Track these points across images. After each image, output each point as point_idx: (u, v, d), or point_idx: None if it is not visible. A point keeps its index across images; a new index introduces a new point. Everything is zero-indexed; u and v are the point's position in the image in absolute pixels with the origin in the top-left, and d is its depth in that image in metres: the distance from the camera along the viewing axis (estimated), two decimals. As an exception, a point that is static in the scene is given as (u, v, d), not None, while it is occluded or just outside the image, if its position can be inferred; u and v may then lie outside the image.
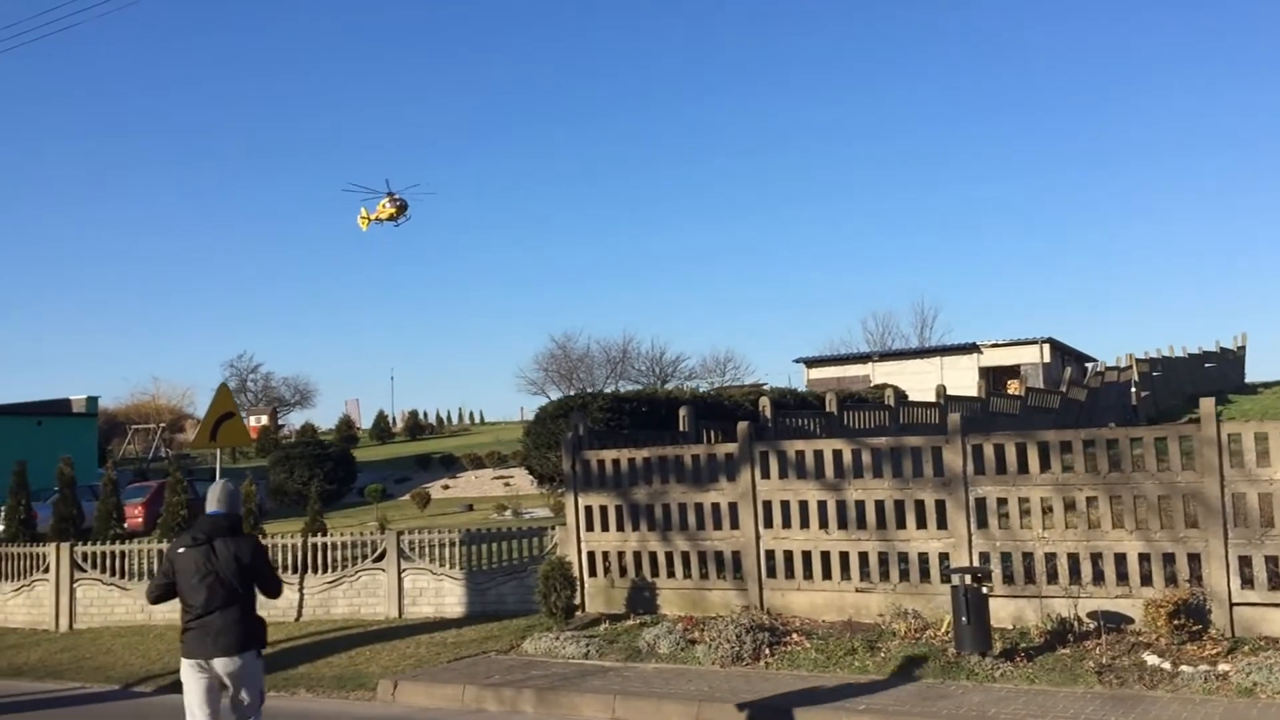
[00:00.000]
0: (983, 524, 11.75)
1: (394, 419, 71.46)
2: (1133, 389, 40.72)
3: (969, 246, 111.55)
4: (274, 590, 7.28)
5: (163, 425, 60.19)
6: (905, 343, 63.67)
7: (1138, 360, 42.01)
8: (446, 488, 39.94)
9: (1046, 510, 11.54)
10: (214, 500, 7.15)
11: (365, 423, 70.40)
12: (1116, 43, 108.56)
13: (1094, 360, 47.30)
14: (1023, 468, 11.64)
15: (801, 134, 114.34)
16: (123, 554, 16.08)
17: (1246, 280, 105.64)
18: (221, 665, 6.76)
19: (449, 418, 74.44)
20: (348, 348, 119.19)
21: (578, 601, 13.56)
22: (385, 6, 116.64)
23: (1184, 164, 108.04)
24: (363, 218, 46.34)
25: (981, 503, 11.78)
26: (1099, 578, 11.14)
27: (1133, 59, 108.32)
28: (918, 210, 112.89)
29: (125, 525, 20.54)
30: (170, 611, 15.49)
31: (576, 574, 13.67)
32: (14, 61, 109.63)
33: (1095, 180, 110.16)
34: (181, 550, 6.93)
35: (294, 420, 75.06)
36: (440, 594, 14.82)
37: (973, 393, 31.44)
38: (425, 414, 71.96)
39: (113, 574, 15.96)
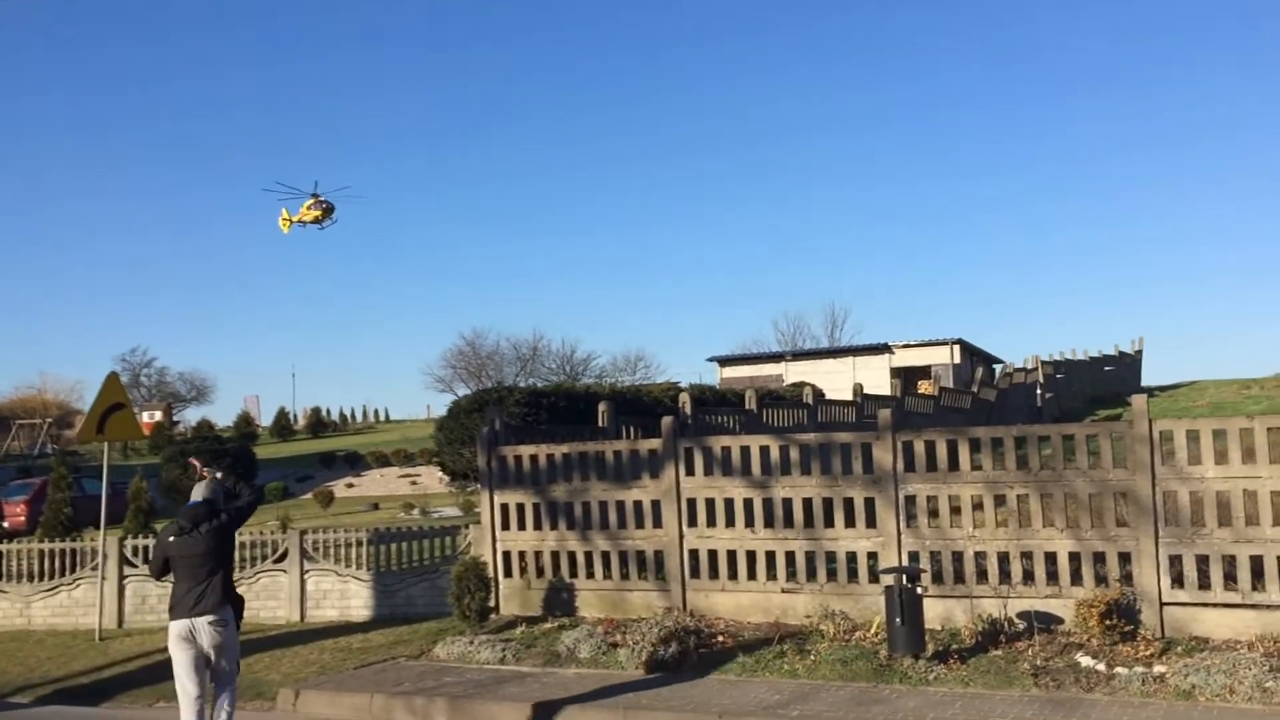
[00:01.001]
0: (912, 522, 11.48)
1: (295, 416, 69.58)
2: (1038, 390, 41.37)
3: (878, 248, 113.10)
4: (252, 502, 8.94)
5: (49, 420, 57.67)
6: (816, 343, 64.19)
7: (1042, 362, 42.70)
8: (351, 486, 38.81)
9: (977, 508, 11.32)
10: (198, 493, 8.47)
11: (266, 420, 68.47)
12: (1016, 48, 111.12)
13: (1001, 361, 48.01)
14: (953, 465, 11.40)
15: (708, 136, 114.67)
16: (6, 554, 14.96)
17: (1143, 286, 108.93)
18: (206, 625, 7.99)
19: (353, 415, 72.80)
20: (247, 344, 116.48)
21: (493, 604, 12.96)
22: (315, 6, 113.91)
23: (1087, 168, 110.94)
24: (284, 219, 44.65)
25: (911, 500, 11.51)
26: (1029, 577, 10.94)
27: (1034, 63, 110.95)
28: (826, 211, 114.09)
29: (5, 524, 19.27)
30: (51, 617, 14.58)
31: (492, 574, 13.06)
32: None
33: (1001, 185, 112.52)
34: (172, 539, 8.27)
35: (190, 417, 72.65)
36: (346, 596, 14.09)
37: (886, 392, 31.50)
38: (328, 411, 70.23)
39: (-11, 576, 14.87)
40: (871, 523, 11.59)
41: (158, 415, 66.00)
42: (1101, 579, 10.65)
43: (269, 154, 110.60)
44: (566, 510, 13.11)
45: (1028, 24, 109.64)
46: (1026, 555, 11.00)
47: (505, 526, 13.45)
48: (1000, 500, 11.15)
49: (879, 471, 11.59)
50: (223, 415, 76.33)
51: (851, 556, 11.73)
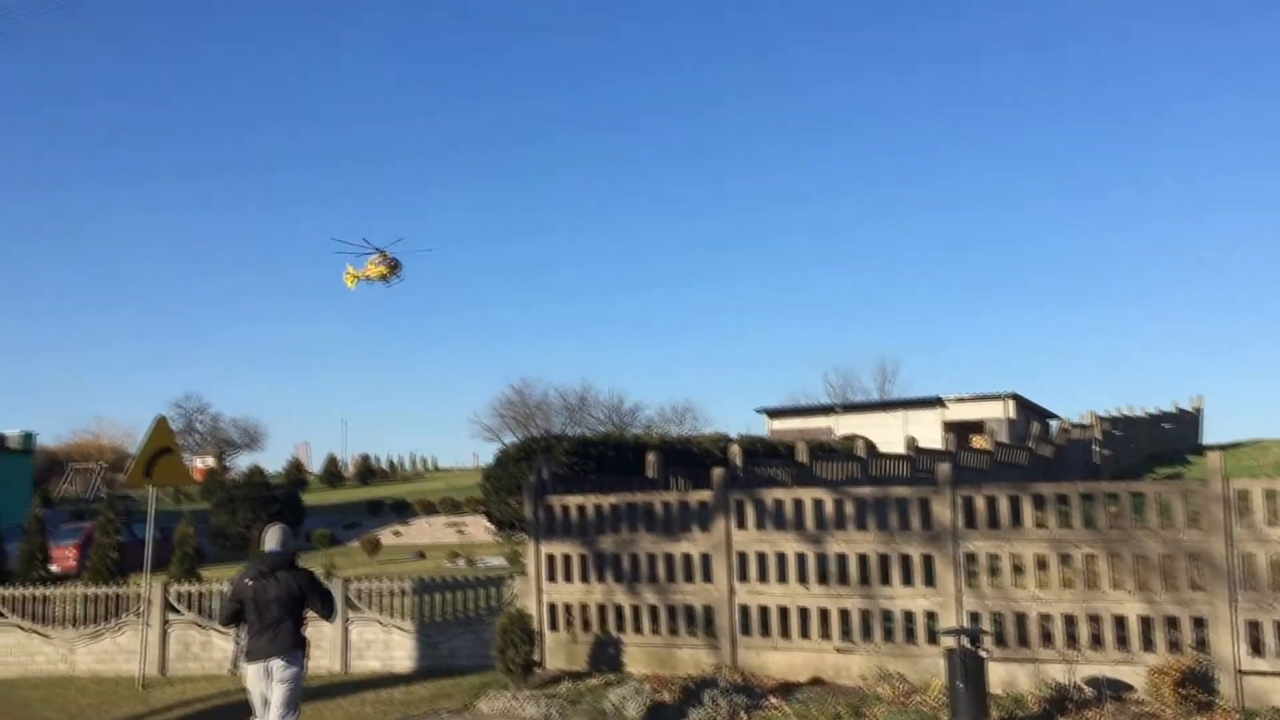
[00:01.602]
0: (973, 581, 11.06)
1: (345, 464, 69.92)
2: (1095, 447, 40.43)
3: (930, 301, 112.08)
4: (327, 613, 9.22)
5: (104, 465, 58.26)
6: (866, 396, 63.33)
7: (1099, 419, 41.77)
8: (398, 534, 38.70)
9: (1041, 567, 10.87)
10: (271, 541, 9.02)
11: (316, 467, 68.84)
12: (1073, 109, 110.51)
13: (1056, 417, 47.08)
14: (1015, 521, 10.98)
15: (762, 189, 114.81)
16: (43, 598, 14.88)
17: (1203, 342, 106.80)
18: (278, 667, 8.59)
19: (402, 463, 73.04)
20: (300, 391, 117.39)
21: (537, 657, 12.64)
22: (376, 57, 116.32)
23: (1145, 225, 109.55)
24: (350, 275, 44.72)
25: (972, 558, 11.09)
26: (1098, 641, 10.47)
27: (1089, 120, 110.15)
28: (877, 264, 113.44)
29: (54, 567, 19.26)
30: (95, 663, 14.45)
31: (536, 627, 12.76)
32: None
33: (1056, 239, 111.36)
34: (248, 581, 8.79)
35: (242, 463, 73.14)
36: (389, 647, 13.83)
37: (939, 446, 30.92)
38: (377, 459, 70.52)
39: (36, 620, 14.75)
40: (930, 581, 11.18)
41: (210, 461, 66.58)
42: (1175, 645, 10.15)
43: (326, 204, 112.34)
44: (614, 562, 12.81)
45: (1075, 84, 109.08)
46: (1094, 618, 10.53)
47: (551, 578, 13.17)
48: (1066, 560, 10.71)
49: (938, 527, 11.20)
50: (274, 462, 77.00)
51: (909, 616, 11.32)
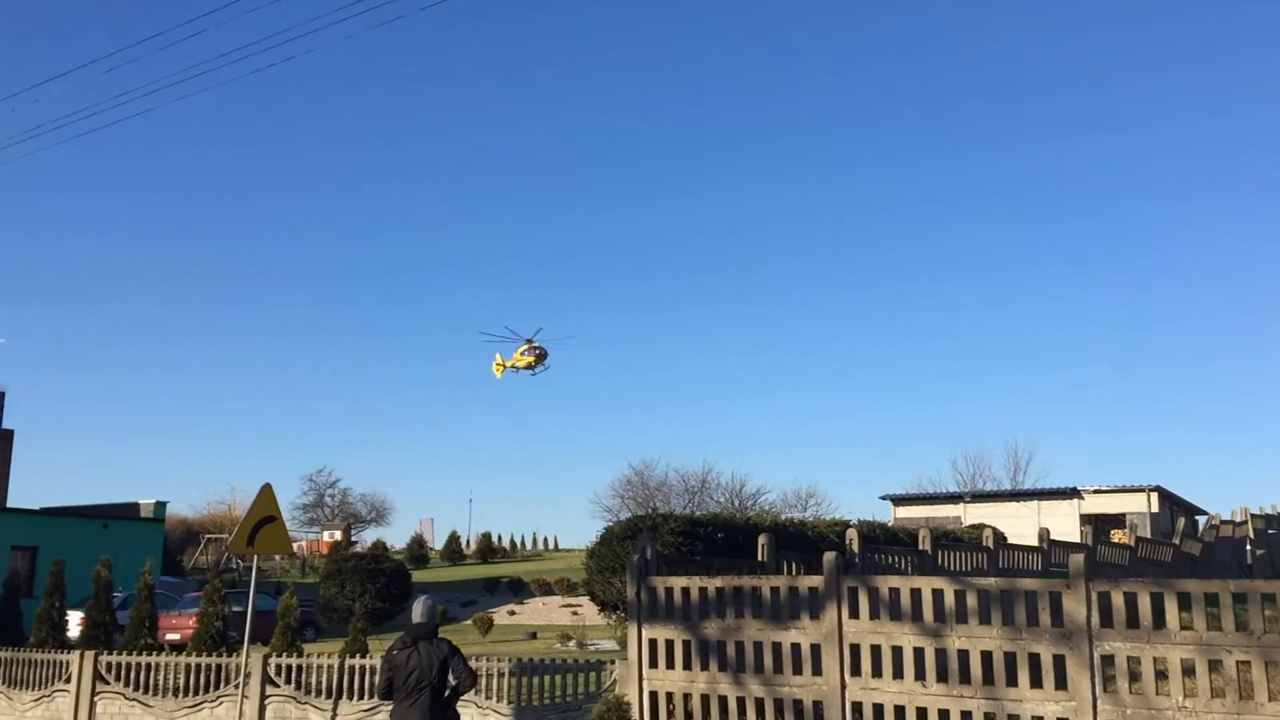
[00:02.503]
0: (1110, 686, 10.06)
1: (468, 541, 70.41)
2: (1248, 546, 37.88)
3: (1067, 387, 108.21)
4: (467, 682, 9.62)
5: (236, 535, 59.57)
6: (997, 485, 60.81)
7: (1253, 515, 39.19)
8: (512, 613, 38.40)
9: (1188, 674, 9.82)
10: (418, 614, 9.65)
11: (438, 543, 69.39)
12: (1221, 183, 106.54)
13: (1205, 513, 44.36)
14: (1158, 622, 9.98)
15: (888, 269, 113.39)
16: (151, 666, 14.89)
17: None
18: None
19: (522, 542, 73.19)
20: (428, 468, 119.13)
21: (636, 749, 12.00)
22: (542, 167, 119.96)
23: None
24: (498, 365, 45.17)
25: (1109, 661, 10.10)
26: (1253, 759, 9.34)
27: (1243, 198, 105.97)
28: (1012, 349, 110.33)
29: (173, 636, 19.34)
30: (193, 732, 14.32)
31: (635, 715, 12.13)
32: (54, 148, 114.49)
33: (1206, 323, 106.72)
34: (395, 652, 9.40)
35: (368, 537, 74.31)
36: (484, 730, 13.32)
37: (1075, 539, 29.27)
38: (499, 537, 70.85)
39: (138, 689, 14.74)
40: (1062, 684, 10.21)
41: (337, 535, 67.69)
42: (1344, 768, 8.98)
43: (462, 288, 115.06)
44: (719, 649, 12.14)
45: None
46: (1249, 733, 9.42)
47: (653, 664, 12.55)
48: (1215, 666, 9.65)
49: (1070, 625, 10.26)
50: (399, 537, 77.78)
51: (1038, 721, 10.34)
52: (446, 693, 9.42)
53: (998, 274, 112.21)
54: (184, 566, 52.66)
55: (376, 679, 10.36)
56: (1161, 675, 9.92)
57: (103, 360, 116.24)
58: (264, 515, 13.45)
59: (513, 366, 44.88)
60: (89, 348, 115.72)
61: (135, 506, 39.29)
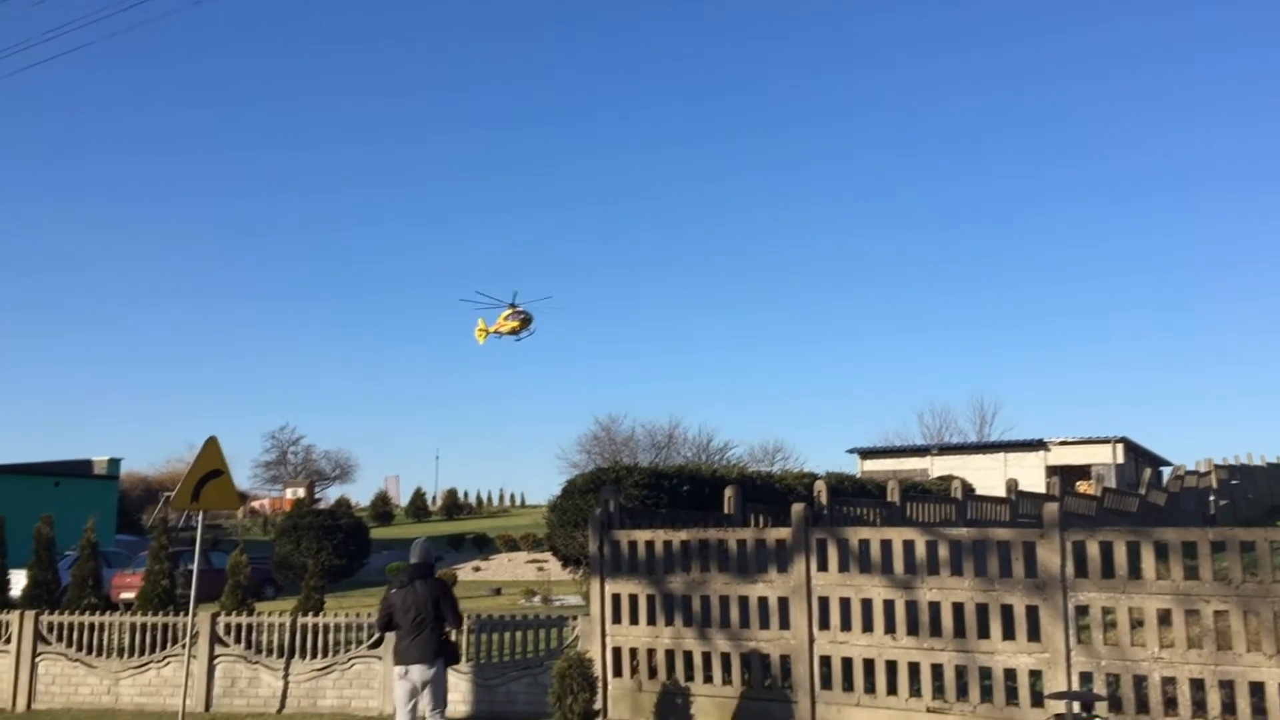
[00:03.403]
0: (1084, 637, 9.79)
1: (434, 498, 69.91)
2: (1211, 497, 38.09)
3: (1032, 341, 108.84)
4: (456, 621, 10.08)
5: (196, 493, 58.74)
6: (964, 438, 61.00)
7: (1216, 466, 39.40)
8: (477, 570, 38.01)
9: (1164, 624, 9.56)
10: (414, 554, 10.20)
11: (404, 500, 68.92)
12: (1182, 134, 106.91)
13: (1169, 464, 44.65)
14: (1134, 571, 9.70)
15: (856, 221, 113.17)
16: (98, 626, 14.33)
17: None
18: (417, 671, 9.60)
19: (489, 498, 72.76)
20: (392, 425, 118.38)
21: (598, 706, 11.64)
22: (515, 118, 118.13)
23: (1263, 261, 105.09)
24: (481, 330, 44.24)
25: (1083, 611, 9.83)
26: (1229, 710, 9.11)
27: (1206, 148, 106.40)
28: (976, 302, 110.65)
29: (118, 595, 18.71)
30: (139, 696, 13.83)
31: (598, 673, 11.77)
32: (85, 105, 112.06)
33: (1161, 276, 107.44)
34: (393, 591, 9.88)
35: (331, 495, 73.71)
36: (443, 688, 12.92)
37: (1041, 490, 29.20)
38: (465, 494, 70.37)
39: (81, 649, 14.20)
40: (1035, 635, 9.94)
41: (300, 492, 67.03)
42: (1323, 716, 8.75)
43: (441, 252, 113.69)
44: (684, 604, 11.79)
45: (1198, 109, 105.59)
46: (1226, 684, 9.18)
47: (616, 619, 12.19)
48: (1192, 616, 9.39)
49: (1044, 575, 9.96)
50: (364, 494, 77.24)
51: (1010, 674, 10.08)
52: (445, 628, 9.90)
53: (961, 225, 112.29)
54: (143, 525, 51.81)
55: (376, 616, 10.85)
56: (1137, 626, 9.66)
57: (63, 318, 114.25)
58: (210, 469, 12.85)
59: (496, 332, 44.05)
60: (51, 307, 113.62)
61: (88, 464, 38.44)
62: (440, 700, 9.76)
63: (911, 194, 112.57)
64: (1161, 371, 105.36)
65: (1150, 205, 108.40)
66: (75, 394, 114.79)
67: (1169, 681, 9.37)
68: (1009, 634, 10.06)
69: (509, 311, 43.20)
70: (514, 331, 43.43)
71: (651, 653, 11.96)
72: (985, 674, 10.20)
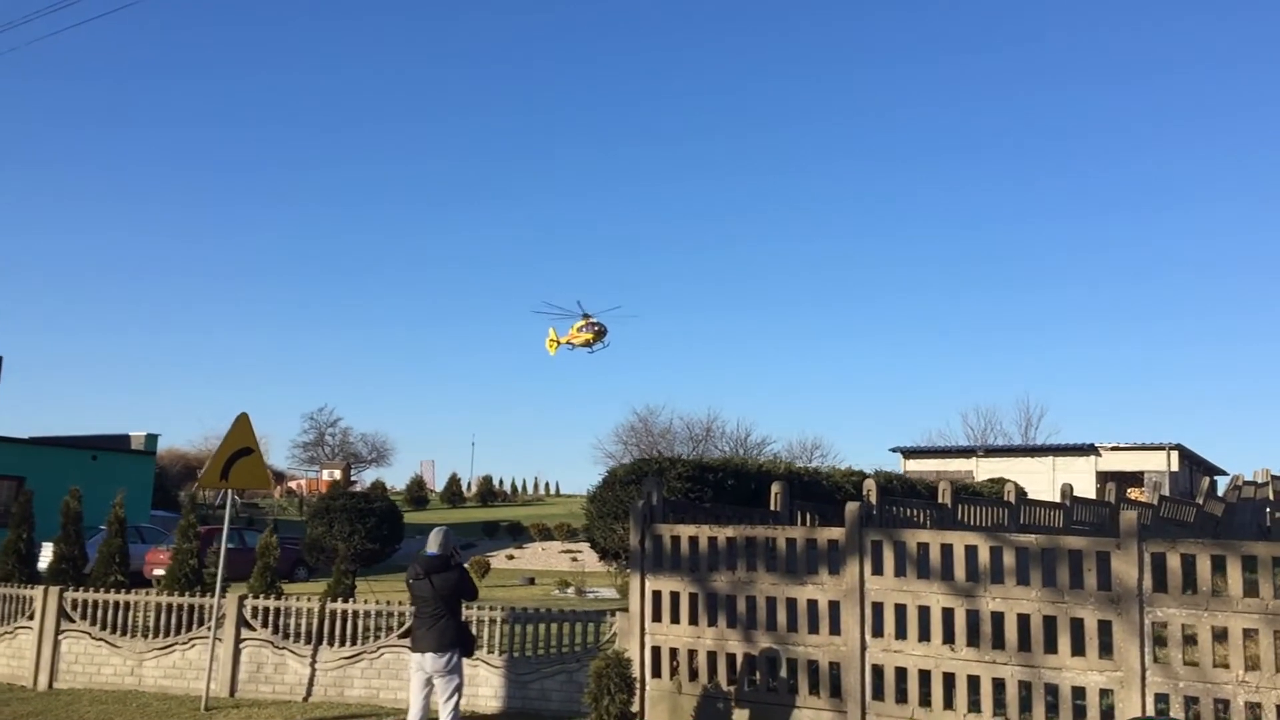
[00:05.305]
0: (1161, 656, 9.10)
1: (469, 484, 69.77)
2: (1268, 509, 36.88)
3: (1081, 344, 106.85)
4: (471, 595, 10.15)
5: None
6: (1008, 440, 59.83)
7: (1274, 477, 38.11)
8: (511, 558, 37.73)
9: (1250, 643, 8.85)
10: (432, 544, 9.93)
11: (439, 485, 68.79)
12: (1233, 138, 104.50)
13: (1224, 473, 43.35)
14: (1217, 588, 8.99)
15: (899, 221, 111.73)
16: (123, 605, 13.93)
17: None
18: (430, 660, 9.57)
19: (524, 486, 72.61)
20: (431, 410, 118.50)
21: (635, 708, 11.06)
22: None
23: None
24: (551, 341, 43.40)
25: (1161, 628, 9.13)
26: (1321, 741, 8.40)
27: (1257, 153, 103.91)
28: (1024, 303, 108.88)
29: (151, 571, 18.34)
30: (163, 678, 13.43)
31: (636, 673, 11.20)
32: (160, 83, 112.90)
33: (1210, 284, 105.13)
34: (411, 580, 9.85)
35: (367, 478, 73.70)
36: (474, 682, 12.40)
37: (1091, 497, 28.33)
38: (500, 481, 70.24)
39: (105, 628, 13.82)
40: (1106, 652, 9.26)
41: (336, 474, 67.01)
42: None
43: (471, 232, 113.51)
44: (728, 604, 11.20)
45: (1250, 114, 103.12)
46: (1319, 712, 8.48)
47: (656, 617, 11.62)
48: (1281, 638, 8.68)
49: (1119, 588, 9.28)
50: (399, 478, 77.28)
51: (1078, 692, 9.40)
52: (462, 617, 10.06)
53: (1008, 228, 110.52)
54: (180, 501, 51.87)
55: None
56: (1219, 642, 8.97)
57: (106, 291, 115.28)
58: (240, 447, 12.43)
59: (569, 343, 43.13)
60: (92, 278, 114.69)
61: (126, 439, 38.32)
62: (454, 690, 9.63)
63: (961, 193, 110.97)
64: (1215, 378, 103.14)
65: (1208, 208, 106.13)
66: (117, 369, 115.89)
67: (1255, 707, 8.68)
68: (1078, 649, 9.39)
69: (582, 323, 42.24)
70: (587, 344, 42.56)
71: (693, 654, 11.38)
72: (1051, 691, 9.54)
